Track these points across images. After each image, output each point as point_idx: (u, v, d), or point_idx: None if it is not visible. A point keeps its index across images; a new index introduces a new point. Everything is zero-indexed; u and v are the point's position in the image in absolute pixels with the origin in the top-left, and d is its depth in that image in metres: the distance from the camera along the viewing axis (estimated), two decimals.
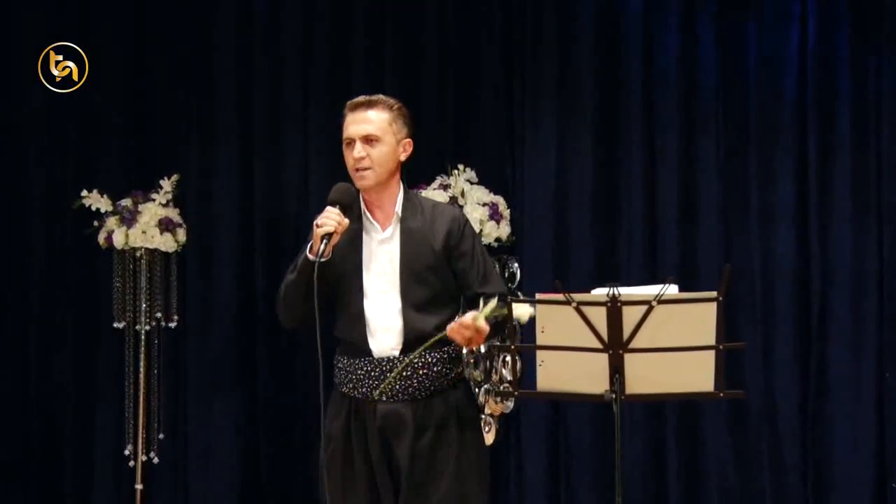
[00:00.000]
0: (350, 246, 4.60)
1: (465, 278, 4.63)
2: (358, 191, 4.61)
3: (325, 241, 4.43)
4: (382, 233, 4.63)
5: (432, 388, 4.60)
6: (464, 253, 4.63)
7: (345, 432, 4.63)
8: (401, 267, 4.59)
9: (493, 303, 4.42)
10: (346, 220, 4.47)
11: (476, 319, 4.38)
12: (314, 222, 4.45)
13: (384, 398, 4.58)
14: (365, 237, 4.63)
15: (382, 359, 4.58)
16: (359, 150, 4.56)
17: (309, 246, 4.50)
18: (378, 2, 6.98)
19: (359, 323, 4.59)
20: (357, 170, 4.58)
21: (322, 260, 4.42)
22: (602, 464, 6.61)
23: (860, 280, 6.53)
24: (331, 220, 4.44)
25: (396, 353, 4.59)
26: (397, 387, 4.57)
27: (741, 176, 6.64)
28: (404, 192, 4.68)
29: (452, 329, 4.42)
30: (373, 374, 4.59)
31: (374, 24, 6.99)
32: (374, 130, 4.57)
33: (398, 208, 4.64)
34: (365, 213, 4.65)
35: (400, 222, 4.63)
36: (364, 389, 4.60)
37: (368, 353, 4.59)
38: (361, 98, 4.64)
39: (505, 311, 4.38)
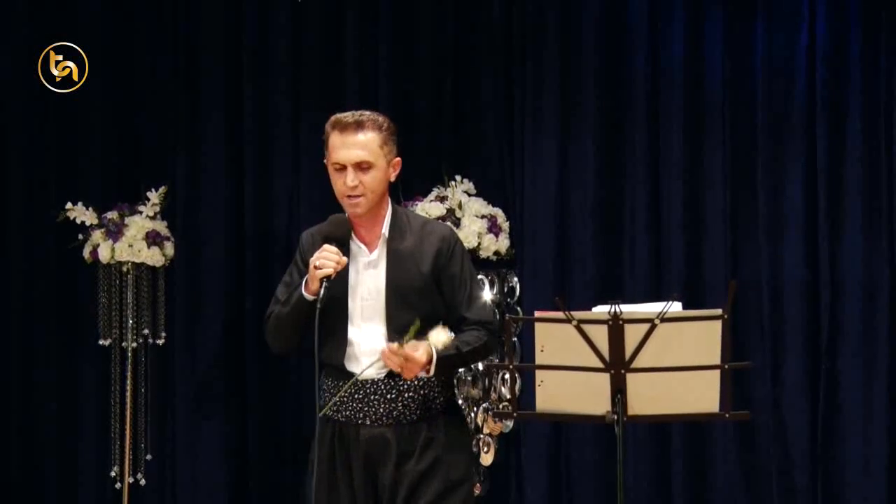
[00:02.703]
0: None
1: (450, 301, 4.58)
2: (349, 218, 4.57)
3: (324, 283, 4.38)
4: (369, 255, 4.59)
5: (419, 411, 4.54)
6: (452, 275, 4.58)
7: (329, 457, 4.57)
8: (386, 291, 4.54)
9: (437, 331, 4.36)
10: (345, 259, 4.43)
11: (401, 346, 4.33)
12: (311, 261, 4.42)
13: (367, 422, 4.52)
14: (351, 260, 4.54)
15: (366, 381, 4.52)
16: (352, 178, 4.48)
17: (304, 282, 4.45)
18: (371, 5, 6.90)
19: (342, 347, 4.55)
20: (349, 197, 4.50)
21: (319, 304, 4.37)
22: (605, 486, 6.53)
23: (871, 292, 6.43)
24: (330, 261, 4.39)
25: (382, 375, 4.52)
26: (381, 410, 4.52)
27: (748, 183, 6.55)
28: (392, 211, 4.61)
29: (384, 354, 4.38)
30: (356, 396, 4.54)
31: (367, 29, 6.90)
32: (367, 156, 4.50)
33: (385, 229, 4.57)
34: (351, 235, 4.60)
35: (387, 243, 4.57)
36: (347, 412, 4.55)
37: (352, 375, 4.52)
38: (349, 118, 4.53)
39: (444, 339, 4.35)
